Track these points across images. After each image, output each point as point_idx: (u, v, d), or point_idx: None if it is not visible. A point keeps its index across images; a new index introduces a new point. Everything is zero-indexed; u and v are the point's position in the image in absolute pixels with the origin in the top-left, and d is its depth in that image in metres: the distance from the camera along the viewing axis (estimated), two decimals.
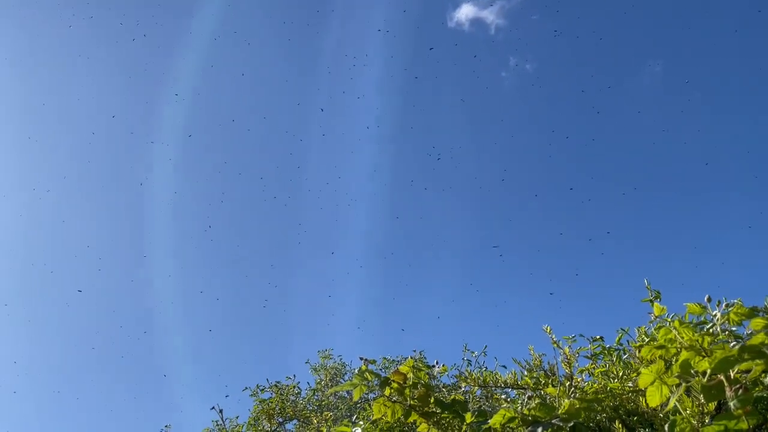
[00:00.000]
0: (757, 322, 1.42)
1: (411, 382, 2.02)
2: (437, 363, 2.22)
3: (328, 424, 3.79)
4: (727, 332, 1.61)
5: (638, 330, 2.59)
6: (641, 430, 2.19)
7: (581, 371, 2.64)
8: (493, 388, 3.00)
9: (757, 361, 1.27)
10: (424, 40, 16.17)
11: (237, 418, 4.90)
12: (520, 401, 2.56)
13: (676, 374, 1.45)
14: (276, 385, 5.01)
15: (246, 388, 4.98)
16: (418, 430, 2.06)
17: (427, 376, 2.05)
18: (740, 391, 1.37)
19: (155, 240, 15.90)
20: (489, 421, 1.75)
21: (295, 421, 5.06)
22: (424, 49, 16.31)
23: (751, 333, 1.62)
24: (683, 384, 1.42)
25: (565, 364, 2.69)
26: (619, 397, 2.31)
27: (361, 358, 2.07)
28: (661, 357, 1.64)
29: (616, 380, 2.38)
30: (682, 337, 1.51)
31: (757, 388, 1.62)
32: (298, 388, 5.27)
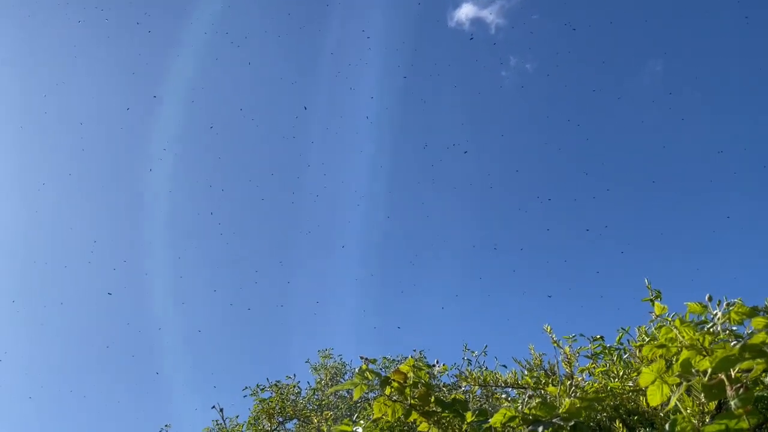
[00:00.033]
0: (759, 321, 1.42)
1: (411, 382, 2.02)
2: (437, 362, 2.22)
3: (329, 423, 3.79)
4: (727, 331, 1.61)
5: (639, 329, 2.59)
6: (642, 430, 2.19)
7: (581, 371, 2.64)
8: (494, 388, 3.00)
9: (758, 360, 1.27)
10: (424, 40, 16.16)
11: (237, 417, 4.90)
12: (520, 400, 2.56)
13: (677, 373, 1.45)
14: (276, 385, 5.01)
15: (246, 387, 4.99)
16: (418, 429, 2.06)
17: (427, 376, 2.05)
18: (741, 390, 1.37)
19: (155, 240, 15.90)
20: (490, 420, 1.75)
21: (295, 421, 5.06)
22: (425, 49, 16.31)
23: (752, 332, 1.62)
24: (684, 383, 1.42)
25: (566, 364, 2.69)
26: (620, 396, 2.31)
27: (362, 358, 2.07)
28: (661, 356, 1.64)
29: (616, 380, 2.38)
30: (683, 336, 1.51)
31: (757, 388, 1.62)
32: (298, 387, 5.27)
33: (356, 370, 2.08)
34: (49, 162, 16.86)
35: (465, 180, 16.68)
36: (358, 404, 5.42)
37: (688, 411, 1.72)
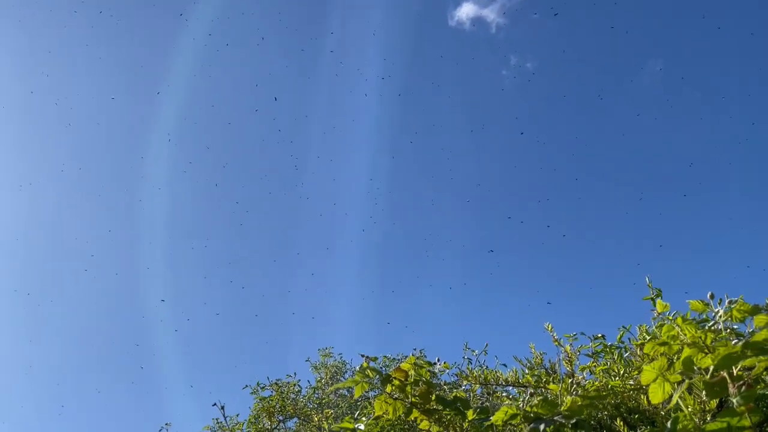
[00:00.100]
0: (761, 319, 1.42)
1: (412, 380, 2.02)
2: (438, 360, 2.22)
3: (329, 421, 3.78)
4: (728, 330, 1.61)
5: (639, 328, 2.59)
6: (643, 428, 2.19)
7: (582, 369, 2.64)
8: (494, 386, 3.00)
9: (761, 357, 1.27)
10: (424, 39, 16.16)
11: (237, 416, 4.90)
12: (521, 399, 2.56)
13: (679, 371, 1.45)
14: (276, 383, 5.01)
15: (246, 386, 4.98)
16: (419, 427, 2.05)
17: (428, 374, 2.05)
18: (743, 388, 1.37)
19: (154, 239, 15.89)
20: (491, 418, 1.75)
21: (295, 419, 5.06)
22: (425, 49, 16.30)
23: (754, 330, 1.62)
24: (686, 381, 1.42)
25: (567, 362, 2.69)
26: (621, 394, 2.31)
27: (362, 356, 2.07)
28: (663, 354, 1.64)
29: (617, 378, 2.38)
30: (685, 334, 1.50)
31: (759, 386, 1.62)
32: (299, 386, 5.27)
33: (357, 368, 2.08)
34: (49, 161, 16.85)
35: (465, 179, 16.67)
36: (359, 403, 5.42)
37: (689, 409, 1.72)
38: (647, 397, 2.22)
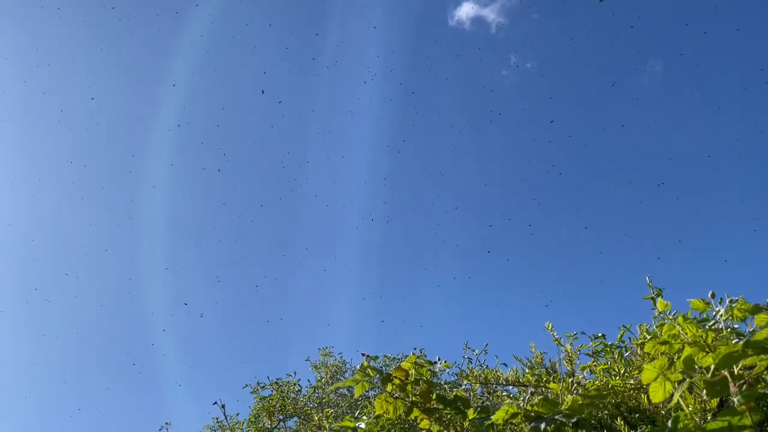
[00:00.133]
0: (762, 318, 1.42)
1: (413, 379, 2.01)
2: (439, 359, 2.22)
3: (330, 420, 3.78)
4: (729, 329, 1.61)
5: (640, 327, 2.59)
6: (643, 427, 2.19)
7: (583, 368, 2.64)
8: (495, 386, 3.00)
9: (762, 356, 1.27)
10: (425, 39, 16.15)
11: (237, 415, 4.90)
12: (522, 398, 2.56)
13: (680, 370, 1.45)
14: (276, 383, 5.01)
15: (246, 385, 4.98)
16: (419, 426, 2.05)
17: (429, 373, 2.05)
18: (744, 387, 1.37)
19: (154, 238, 15.88)
20: (492, 417, 1.75)
21: (295, 419, 5.06)
22: (425, 48, 16.29)
23: (754, 329, 1.62)
24: (687, 380, 1.42)
25: (567, 362, 2.69)
26: (621, 394, 2.31)
27: (363, 354, 2.07)
28: (664, 353, 1.64)
29: (617, 377, 2.38)
30: (686, 333, 1.50)
31: (759, 385, 1.62)
32: (299, 385, 5.27)
33: (357, 367, 2.07)
34: (49, 161, 16.85)
35: (465, 179, 16.66)
36: (359, 402, 5.42)
37: (690, 408, 1.72)
38: (648, 397, 2.23)
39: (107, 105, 16.05)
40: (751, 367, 1.39)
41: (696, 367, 1.45)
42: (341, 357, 7.42)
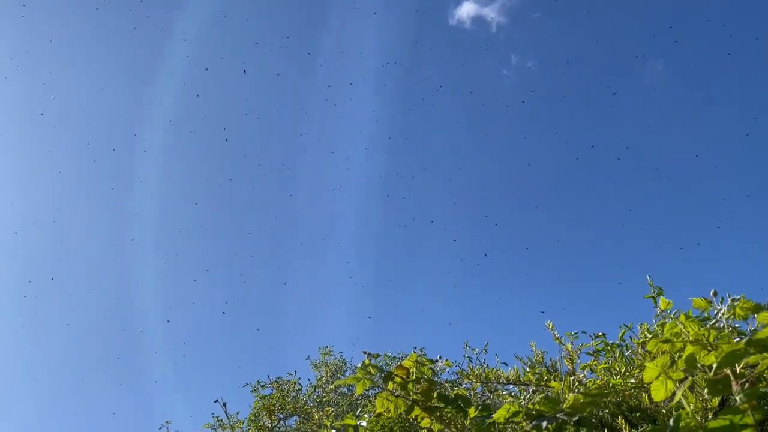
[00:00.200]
0: (764, 317, 1.42)
1: (414, 377, 2.01)
2: (440, 358, 2.22)
3: (330, 419, 3.79)
4: (730, 328, 1.61)
5: (641, 326, 2.59)
6: (644, 426, 2.19)
7: (583, 367, 2.64)
8: (495, 385, 3.00)
9: (765, 354, 1.27)
10: (425, 38, 16.15)
11: (237, 414, 4.90)
12: (523, 397, 2.56)
13: (682, 368, 1.45)
14: (276, 381, 5.01)
15: (247, 384, 4.99)
16: (420, 425, 2.05)
17: (430, 371, 2.05)
18: (746, 385, 1.36)
19: (152, 238, 15.89)
20: (493, 415, 1.75)
21: (295, 417, 5.06)
22: (425, 47, 16.30)
23: (756, 328, 1.62)
24: (689, 378, 1.42)
25: (568, 361, 2.70)
26: (622, 393, 2.31)
27: (365, 352, 2.07)
28: (665, 352, 1.64)
29: (618, 376, 2.38)
30: (688, 332, 1.50)
31: (761, 384, 1.62)
32: (299, 384, 5.28)
33: (358, 366, 2.07)
34: (48, 161, 16.85)
35: (465, 179, 16.67)
36: (359, 401, 5.43)
37: (691, 407, 1.72)
38: (649, 396, 2.23)
39: (107, 104, 16.05)
40: (754, 366, 1.39)
41: (698, 365, 1.45)
42: (341, 356, 7.43)
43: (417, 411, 2.02)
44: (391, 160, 16.85)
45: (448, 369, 3.15)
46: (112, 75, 15.85)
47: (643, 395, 2.27)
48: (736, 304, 1.54)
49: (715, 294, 1.60)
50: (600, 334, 2.78)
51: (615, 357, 2.57)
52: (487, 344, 3.90)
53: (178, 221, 17.18)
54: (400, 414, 2.05)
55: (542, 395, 1.83)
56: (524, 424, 1.66)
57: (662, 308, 1.91)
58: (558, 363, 2.82)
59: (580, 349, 2.74)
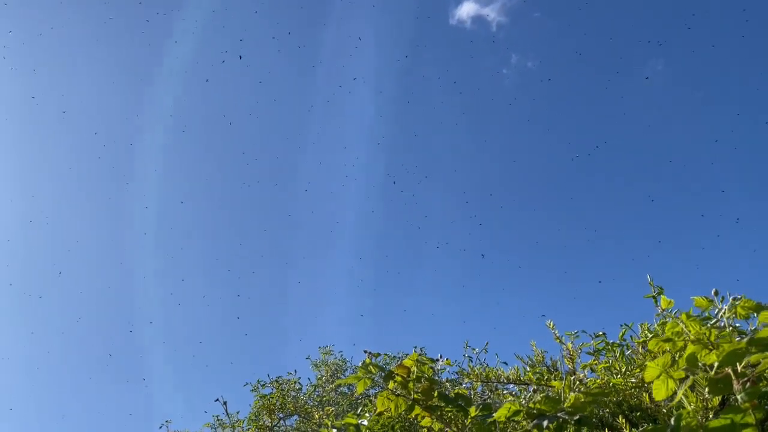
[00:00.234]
0: (766, 316, 1.42)
1: (415, 376, 2.01)
2: (441, 357, 2.22)
3: (331, 418, 3.79)
4: (731, 328, 1.61)
5: (641, 326, 2.59)
6: (644, 426, 2.19)
7: (584, 367, 2.64)
8: (496, 384, 3.00)
9: (766, 354, 1.27)
10: (424, 38, 16.14)
11: (238, 413, 4.90)
12: (523, 396, 2.56)
13: (683, 367, 1.45)
14: (277, 381, 5.02)
15: (247, 383, 4.99)
16: (421, 424, 2.05)
17: (431, 370, 2.05)
18: (747, 384, 1.37)
19: (152, 238, 15.89)
20: (494, 414, 1.75)
21: (296, 417, 5.06)
22: (425, 47, 16.29)
23: (757, 328, 1.62)
24: (690, 377, 1.42)
25: (568, 360, 2.70)
26: (623, 392, 2.31)
27: (366, 351, 2.07)
28: (666, 351, 1.64)
29: (619, 376, 2.38)
30: (689, 331, 1.50)
31: (762, 383, 1.62)
32: (299, 383, 5.28)
33: (358, 365, 2.07)
34: (48, 161, 16.84)
35: (465, 178, 16.67)
36: (359, 400, 5.43)
37: (692, 406, 1.72)
38: (649, 395, 2.23)
39: (107, 104, 16.04)
40: (755, 365, 1.39)
41: (699, 364, 1.45)
42: (341, 355, 7.43)
43: (418, 410, 2.02)
44: (391, 160, 16.85)
45: (448, 368, 3.16)
46: (112, 75, 15.83)
47: (644, 394, 2.27)
48: (737, 303, 1.54)
49: (716, 293, 1.60)
50: (600, 333, 2.78)
51: (615, 356, 2.57)
52: (487, 344, 3.90)
53: (179, 221, 17.17)
54: (401, 413, 2.05)
55: (543, 394, 1.83)
56: (525, 423, 1.66)
57: (663, 307, 1.91)
58: (558, 362, 2.82)
59: (580, 349, 2.74)
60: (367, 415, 2.25)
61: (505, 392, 3.10)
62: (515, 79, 15.77)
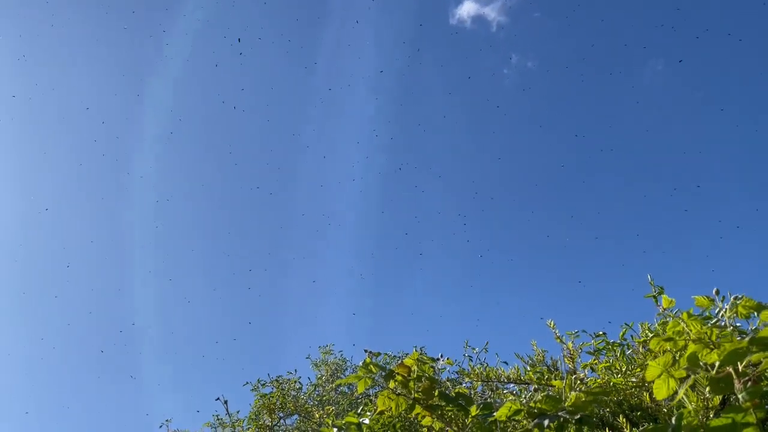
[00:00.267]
0: (767, 315, 1.42)
1: (415, 375, 2.01)
2: (441, 356, 2.22)
3: (331, 418, 3.79)
4: (731, 328, 1.61)
5: (642, 326, 2.59)
6: (645, 425, 2.19)
7: (584, 366, 2.64)
8: (496, 383, 3.00)
9: (767, 353, 1.27)
10: (425, 37, 16.14)
11: (238, 412, 4.90)
12: (524, 395, 2.56)
13: (684, 367, 1.45)
14: (277, 380, 5.01)
15: (247, 382, 4.99)
16: (421, 423, 2.05)
17: (431, 369, 2.04)
18: (749, 384, 1.37)
19: (152, 238, 15.90)
20: (495, 413, 1.75)
21: (296, 416, 5.06)
22: (425, 46, 16.28)
23: (758, 327, 1.62)
24: (691, 377, 1.42)
25: (569, 359, 2.70)
26: (623, 391, 2.31)
27: (366, 351, 2.07)
28: (667, 351, 1.64)
29: (619, 375, 2.38)
30: (690, 330, 1.50)
31: (763, 382, 1.62)
32: (299, 383, 5.27)
33: (358, 365, 2.07)
34: (48, 161, 16.83)
35: (464, 178, 16.67)
36: (360, 400, 5.43)
37: (693, 406, 1.72)
38: (650, 394, 2.23)
39: (107, 104, 16.04)
40: (756, 364, 1.39)
41: (700, 364, 1.45)
42: (341, 355, 7.43)
43: (418, 409, 2.02)
44: (391, 160, 16.85)
45: (449, 368, 3.16)
46: (112, 75, 15.83)
47: (645, 394, 2.27)
48: (738, 302, 1.54)
49: (717, 293, 1.60)
50: (601, 333, 2.78)
51: (616, 356, 2.57)
52: (487, 343, 3.90)
53: (178, 220, 17.17)
54: (402, 412, 2.05)
55: (544, 394, 1.83)
56: (526, 422, 1.66)
57: (665, 306, 1.91)
58: (559, 362, 2.82)
59: (581, 348, 2.74)
60: (368, 414, 2.25)
61: (505, 391, 3.10)
62: (515, 79, 15.76)
